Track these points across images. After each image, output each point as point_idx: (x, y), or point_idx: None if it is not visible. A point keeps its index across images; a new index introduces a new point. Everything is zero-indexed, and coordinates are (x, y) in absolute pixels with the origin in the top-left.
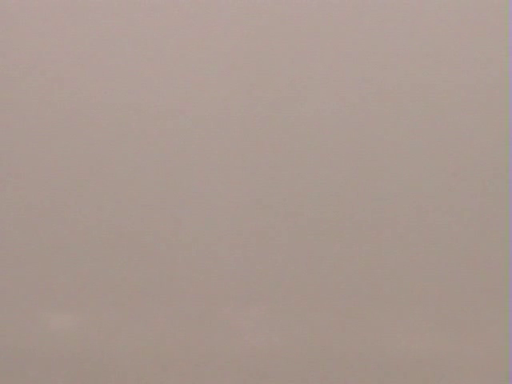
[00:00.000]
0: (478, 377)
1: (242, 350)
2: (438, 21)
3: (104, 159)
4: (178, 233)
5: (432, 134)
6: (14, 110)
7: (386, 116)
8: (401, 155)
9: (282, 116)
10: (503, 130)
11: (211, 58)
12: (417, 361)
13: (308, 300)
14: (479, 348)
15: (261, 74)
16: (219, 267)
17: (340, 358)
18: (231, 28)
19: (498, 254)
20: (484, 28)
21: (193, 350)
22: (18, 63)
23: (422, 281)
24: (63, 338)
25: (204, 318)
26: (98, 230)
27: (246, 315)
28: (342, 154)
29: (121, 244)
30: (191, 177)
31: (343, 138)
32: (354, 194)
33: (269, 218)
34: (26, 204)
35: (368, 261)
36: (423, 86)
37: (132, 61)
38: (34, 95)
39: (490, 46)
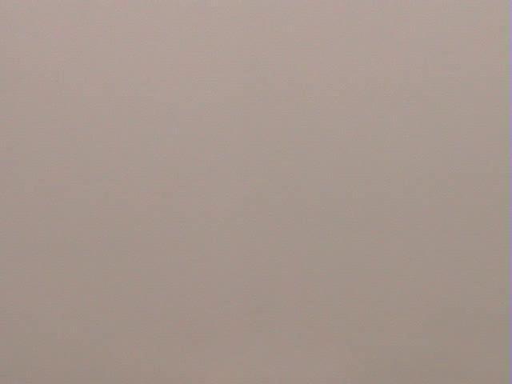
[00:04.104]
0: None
1: (239, 361)
2: (437, 20)
3: (103, 159)
4: (178, 232)
5: (432, 133)
6: (14, 110)
7: (385, 115)
8: (400, 155)
9: (281, 116)
10: (503, 130)
11: (211, 58)
12: (419, 365)
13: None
14: (480, 352)
15: (260, 74)
16: (217, 272)
17: (341, 359)
18: (231, 28)
19: (498, 255)
20: (484, 27)
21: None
22: (18, 63)
23: (422, 295)
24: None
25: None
26: (96, 237)
27: (246, 329)
28: (342, 154)
29: (121, 241)
30: (191, 175)
31: (343, 137)
32: (355, 196)
33: (266, 219)
34: (25, 206)
35: (368, 264)
36: (423, 85)
37: (132, 61)
38: (33, 95)
39: (489, 45)
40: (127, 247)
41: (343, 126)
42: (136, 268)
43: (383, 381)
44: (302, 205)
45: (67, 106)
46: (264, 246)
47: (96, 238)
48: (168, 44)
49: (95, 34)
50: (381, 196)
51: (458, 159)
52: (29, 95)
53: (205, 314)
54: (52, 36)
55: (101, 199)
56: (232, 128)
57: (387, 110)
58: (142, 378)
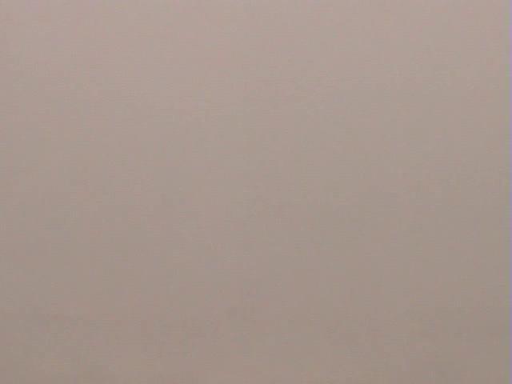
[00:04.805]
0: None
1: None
2: (438, 20)
3: (103, 159)
4: (178, 232)
5: (432, 134)
6: (14, 110)
7: (385, 116)
8: (400, 155)
9: (281, 116)
10: (503, 130)
11: (211, 59)
12: (418, 370)
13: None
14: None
15: (260, 73)
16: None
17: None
18: (231, 28)
19: (499, 261)
20: (484, 28)
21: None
22: (18, 64)
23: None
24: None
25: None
26: (100, 223)
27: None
28: (342, 154)
29: (121, 240)
30: (191, 174)
31: (343, 137)
32: (355, 198)
33: (267, 221)
34: (25, 208)
35: (368, 267)
36: (423, 85)
37: (132, 61)
38: (34, 95)
39: (489, 46)
40: (126, 248)
41: (343, 127)
42: (134, 269)
43: None
44: (301, 206)
45: (68, 107)
46: (264, 247)
47: (92, 238)
48: (168, 44)
49: (94, 35)
50: (381, 198)
51: (458, 161)
52: (29, 96)
53: (203, 315)
54: (52, 36)
55: (100, 200)
56: (232, 128)
57: (387, 111)
58: (140, 379)
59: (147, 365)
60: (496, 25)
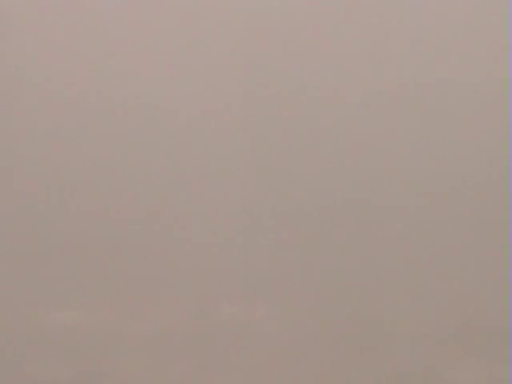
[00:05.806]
0: None
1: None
2: (438, 21)
3: (103, 159)
4: (178, 234)
5: (432, 133)
6: (14, 110)
7: (385, 116)
8: (400, 156)
9: (281, 116)
10: (503, 130)
11: (210, 61)
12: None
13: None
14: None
15: (260, 73)
16: (218, 266)
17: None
18: (231, 28)
19: (498, 258)
20: (484, 27)
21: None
22: (18, 63)
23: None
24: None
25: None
26: (99, 227)
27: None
28: (343, 154)
29: (122, 243)
30: (191, 175)
31: (343, 138)
32: (356, 202)
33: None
34: (26, 207)
35: (369, 272)
36: (423, 85)
37: (132, 61)
38: (34, 94)
39: (489, 46)
40: (125, 252)
41: (343, 129)
42: (134, 274)
43: None
44: (301, 207)
45: (68, 109)
46: (264, 249)
47: (91, 244)
48: (167, 46)
49: (95, 37)
50: (382, 202)
51: (458, 161)
52: (29, 96)
53: (203, 318)
54: (52, 37)
55: (100, 206)
56: (231, 130)
57: (387, 113)
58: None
59: (147, 369)
60: (496, 25)
